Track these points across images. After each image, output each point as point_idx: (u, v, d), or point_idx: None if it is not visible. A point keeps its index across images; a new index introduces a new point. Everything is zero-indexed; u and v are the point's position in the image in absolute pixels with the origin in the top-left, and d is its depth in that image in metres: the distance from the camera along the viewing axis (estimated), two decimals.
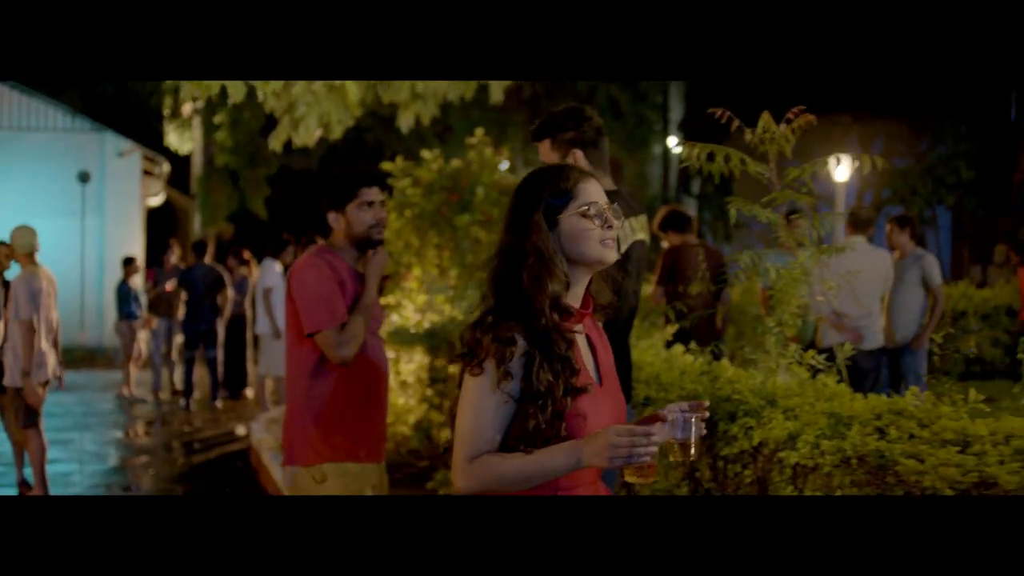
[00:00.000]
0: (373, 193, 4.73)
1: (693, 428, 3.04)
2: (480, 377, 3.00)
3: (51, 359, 8.65)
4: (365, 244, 4.74)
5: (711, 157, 5.04)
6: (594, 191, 3.14)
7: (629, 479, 3.00)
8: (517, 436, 3.01)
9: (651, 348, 6.55)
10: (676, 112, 31.65)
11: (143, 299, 16.13)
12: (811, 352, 5.13)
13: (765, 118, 4.74)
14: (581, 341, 3.19)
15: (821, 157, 5.20)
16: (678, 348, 6.02)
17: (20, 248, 8.72)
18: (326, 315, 4.56)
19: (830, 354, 8.91)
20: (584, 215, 3.08)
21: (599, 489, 3.21)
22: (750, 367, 5.10)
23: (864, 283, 9.26)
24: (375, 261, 4.79)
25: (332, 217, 4.71)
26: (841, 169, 16.36)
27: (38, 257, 8.77)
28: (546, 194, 3.11)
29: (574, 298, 3.15)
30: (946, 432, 3.69)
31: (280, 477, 4.81)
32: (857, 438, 3.76)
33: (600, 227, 3.10)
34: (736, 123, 4.81)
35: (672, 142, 31.12)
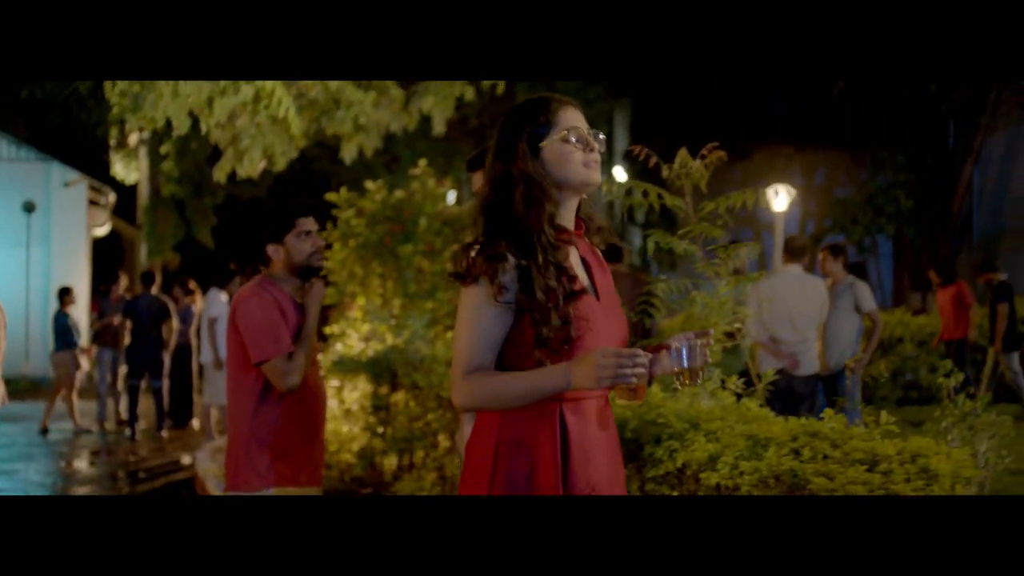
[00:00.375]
0: (310, 223, 4.89)
1: (699, 354, 3.15)
2: (475, 293, 3.12)
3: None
4: (305, 272, 4.89)
5: (630, 192, 5.23)
6: (573, 117, 3.24)
7: (620, 400, 3.17)
8: (522, 346, 3.13)
9: None
10: (621, 142, 31.94)
11: (82, 329, 16.05)
12: (733, 377, 5.30)
13: (682, 154, 4.93)
14: (575, 261, 3.30)
15: (763, 186, 5.43)
16: None
17: None
18: (272, 344, 4.69)
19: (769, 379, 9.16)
20: (565, 140, 3.18)
21: (605, 401, 3.29)
22: (677, 392, 5.27)
23: (800, 310, 9.50)
24: (314, 291, 4.94)
25: (271, 249, 4.86)
26: (780, 199, 16.69)
27: None
28: (527, 124, 3.21)
29: (566, 221, 3.27)
30: (856, 452, 3.87)
31: None
32: (773, 459, 3.93)
33: (582, 150, 3.21)
34: (654, 159, 4.97)
35: (618, 172, 31.40)
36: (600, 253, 3.46)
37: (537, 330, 3.10)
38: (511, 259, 3.11)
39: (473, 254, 3.16)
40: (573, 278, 3.18)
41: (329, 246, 12.30)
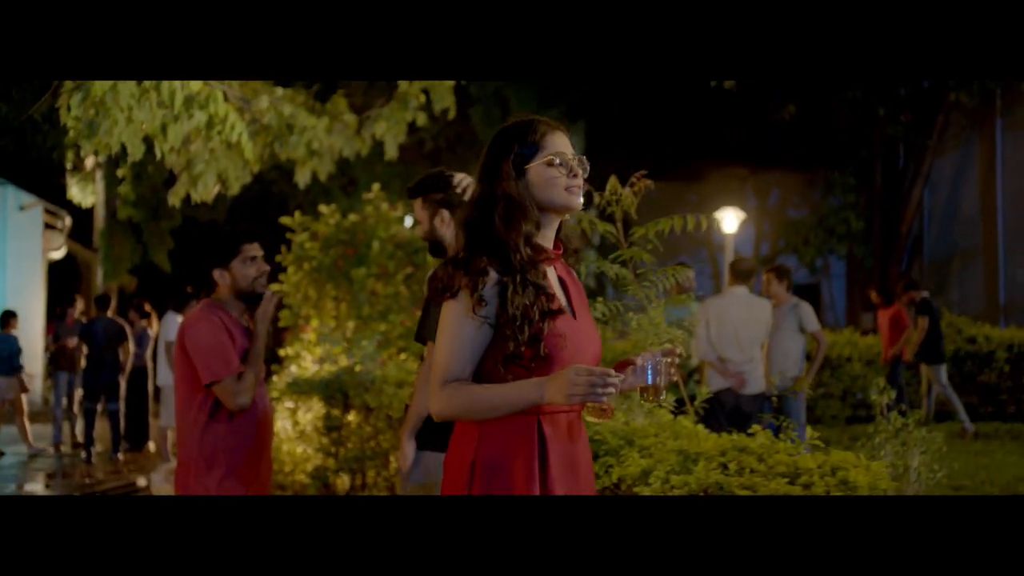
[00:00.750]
0: (254, 248, 5.05)
1: (663, 372, 3.28)
2: (456, 305, 3.23)
3: None
4: (250, 297, 5.04)
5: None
6: (560, 143, 3.36)
7: (589, 417, 3.27)
8: (498, 360, 3.22)
9: None
10: None
11: (35, 351, 16.05)
12: (669, 395, 5.48)
13: (612, 182, 5.11)
14: (553, 279, 3.40)
15: (716, 209, 5.61)
16: None
17: None
18: (222, 366, 4.84)
19: (716, 397, 9.39)
20: (550, 164, 3.30)
21: (577, 417, 3.38)
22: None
23: (746, 330, 9.73)
24: (263, 311, 5.09)
25: (217, 274, 5.01)
26: (729, 221, 16.97)
27: None
28: (515, 145, 3.32)
29: (545, 241, 3.36)
30: (779, 466, 4.06)
31: None
32: (702, 473, 4.11)
33: (566, 176, 3.32)
34: (586, 187, 5.16)
35: None
36: (575, 273, 3.58)
37: (507, 346, 3.20)
38: (492, 274, 3.22)
39: (453, 269, 3.25)
40: (551, 296, 3.27)
41: (284, 269, 12.45)
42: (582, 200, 3.38)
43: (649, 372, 3.30)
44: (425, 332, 4.99)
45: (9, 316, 15.84)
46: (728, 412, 9.64)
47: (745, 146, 30.46)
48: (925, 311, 15.04)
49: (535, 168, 3.31)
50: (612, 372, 3.08)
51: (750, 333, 9.73)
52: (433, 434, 5.02)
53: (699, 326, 9.69)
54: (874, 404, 6.65)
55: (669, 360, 3.31)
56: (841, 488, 3.94)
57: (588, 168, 3.41)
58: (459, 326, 3.24)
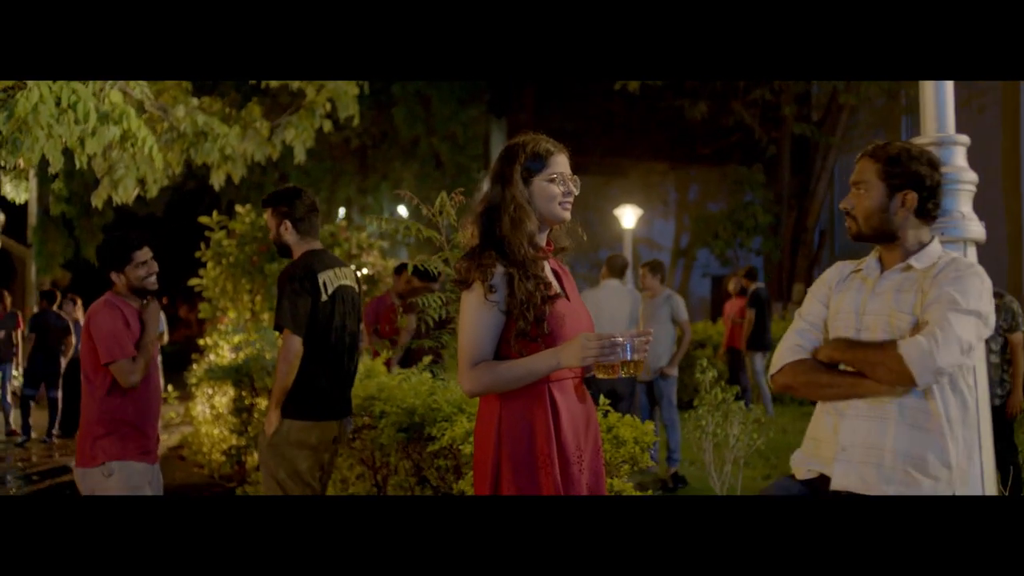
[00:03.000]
0: (144, 254, 5.94)
1: (639, 348, 3.68)
2: (471, 296, 3.75)
3: None
4: (142, 292, 5.97)
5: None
6: (562, 163, 3.88)
7: (598, 374, 3.78)
8: (510, 339, 3.74)
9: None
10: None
11: None
12: None
13: (441, 198, 6.00)
14: (548, 271, 3.91)
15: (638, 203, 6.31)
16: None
17: None
18: (119, 349, 5.75)
19: (592, 380, 10.36)
20: (551, 181, 3.83)
21: (581, 382, 3.91)
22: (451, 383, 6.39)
23: (619, 317, 10.73)
24: (151, 310, 6.00)
25: (114, 275, 5.92)
26: (628, 217, 18.00)
27: None
28: (525, 157, 3.84)
29: (541, 241, 3.88)
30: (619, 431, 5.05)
31: (80, 480, 5.92)
32: None
33: (562, 193, 3.85)
34: (416, 201, 6.05)
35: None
36: (565, 266, 4.10)
37: (517, 325, 3.73)
38: (499, 267, 3.72)
39: (467, 263, 3.79)
40: (549, 285, 3.80)
41: (203, 264, 13.31)
42: (569, 213, 3.89)
43: (629, 348, 3.66)
44: (281, 321, 5.99)
45: None
46: (604, 393, 10.62)
47: (665, 143, 31.49)
48: (754, 303, 16.19)
49: (538, 182, 3.83)
50: (616, 336, 3.62)
51: (622, 320, 10.73)
52: (297, 404, 6.02)
53: None
54: (699, 382, 7.67)
55: (644, 339, 3.71)
56: (613, 442, 4.96)
57: (579, 186, 3.92)
58: (477, 314, 3.74)
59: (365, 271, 13.85)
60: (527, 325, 3.73)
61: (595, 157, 31.97)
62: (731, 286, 17.28)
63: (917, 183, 3.60)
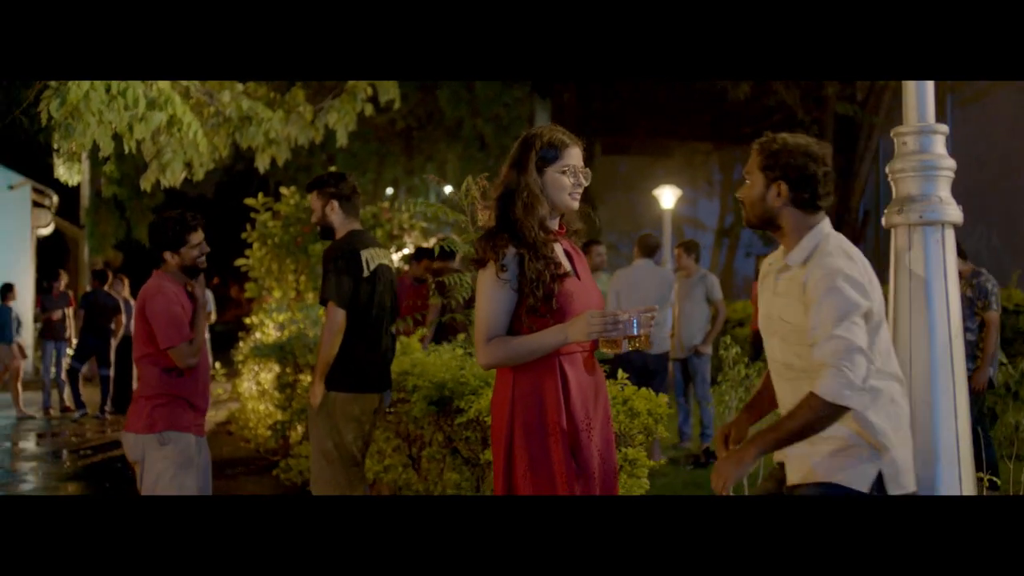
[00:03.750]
0: (198, 236, 6.24)
1: (643, 324, 3.96)
2: (485, 274, 4.02)
3: None
4: (193, 272, 6.28)
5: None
6: (575, 156, 4.13)
7: (603, 348, 4.07)
8: (522, 315, 4.00)
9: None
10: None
11: (25, 322, 17.09)
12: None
13: (468, 181, 6.27)
14: (560, 253, 4.16)
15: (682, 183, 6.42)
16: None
17: None
18: (177, 334, 6.03)
19: (625, 357, 10.66)
20: (563, 172, 4.09)
21: (590, 354, 4.15)
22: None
23: (651, 296, 10.98)
24: (199, 289, 6.32)
25: (168, 255, 6.21)
26: (667, 197, 18.18)
27: None
28: (540, 148, 4.10)
29: (553, 224, 4.15)
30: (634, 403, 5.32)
31: (131, 444, 6.23)
32: None
33: (572, 184, 4.11)
34: (442, 183, 6.33)
35: None
36: (577, 247, 4.35)
37: (528, 302, 3.99)
38: (511, 247, 3.99)
39: (483, 244, 4.05)
40: (558, 264, 4.05)
41: (249, 245, 13.67)
42: (577, 203, 4.16)
43: (635, 324, 3.94)
44: (326, 295, 6.32)
45: (7, 288, 16.94)
46: (636, 370, 10.90)
47: (708, 124, 31.52)
48: None
49: (551, 172, 4.09)
50: (619, 313, 3.89)
51: (654, 299, 10.98)
52: (340, 376, 6.35)
53: (610, 295, 10.93)
54: (723, 359, 7.89)
55: (648, 316, 3.99)
56: (628, 413, 5.22)
57: (591, 177, 4.19)
58: (491, 292, 4.01)
59: (406, 251, 14.13)
60: (537, 302, 3.98)
61: (638, 138, 32.12)
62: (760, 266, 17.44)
63: (789, 175, 3.85)
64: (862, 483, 3.74)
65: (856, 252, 3.84)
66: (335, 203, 6.54)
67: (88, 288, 17.35)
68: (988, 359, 8.65)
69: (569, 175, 4.12)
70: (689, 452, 11.68)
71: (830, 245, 3.84)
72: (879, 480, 3.73)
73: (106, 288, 16.58)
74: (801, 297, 3.82)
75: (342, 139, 12.34)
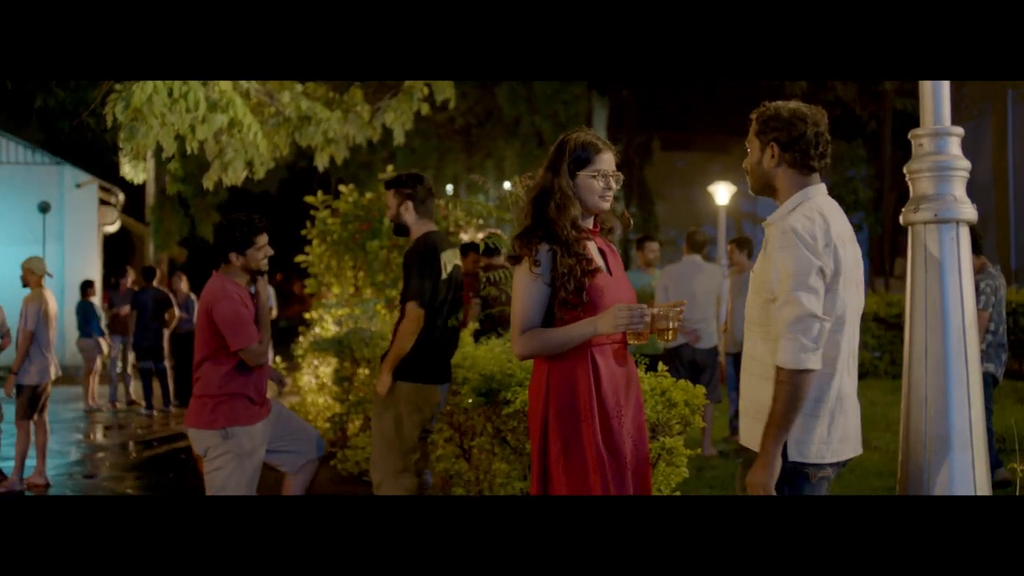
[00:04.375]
0: (264, 238, 6.50)
1: (673, 318, 4.23)
2: (520, 269, 4.26)
3: (53, 364, 10.42)
4: (256, 272, 6.55)
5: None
6: (607, 161, 4.33)
7: (630, 341, 4.31)
8: (555, 307, 4.22)
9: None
10: None
11: (103, 318, 17.47)
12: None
13: (514, 180, 6.47)
14: (593, 249, 4.38)
15: (740, 179, 6.63)
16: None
17: (37, 272, 10.48)
18: (245, 336, 6.29)
19: (675, 351, 10.81)
20: (594, 177, 4.30)
21: (622, 345, 4.39)
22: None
23: (700, 292, 11.15)
24: (262, 287, 6.59)
25: (234, 256, 6.46)
26: (722, 194, 18.31)
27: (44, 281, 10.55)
28: (574, 151, 4.32)
29: (587, 222, 4.39)
30: (672, 395, 5.52)
31: (196, 439, 6.50)
32: None
33: (603, 188, 4.32)
34: (487, 184, 6.55)
35: None
36: (612, 245, 4.60)
37: (559, 295, 4.21)
38: (544, 244, 4.22)
39: (518, 241, 4.31)
40: (590, 260, 4.28)
41: (309, 242, 13.97)
42: (608, 205, 4.38)
43: (667, 319, 4.21)
44: (409, 295, 6.56)
45: (87, 285, 17.33)
46: (686, 364, 11.08)
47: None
48: None
49: (583, 176, 4.31)
50: (644, 307, 4.11)
51: (703, 294, 11.15)
52: (407, 368, 6.59)
53: (659, 290, 11.10)
54: None
55: (678, 310, 4.24)
56: (664, 403, 5.42)
57: (622, 181, 4.40)
58: (525, 286, 4.24)
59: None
60: (568, 295, 4.21)
61: (697, 134, 32.20)
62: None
63: (779, 137, 3.99)
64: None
65: (831, 214, 3.95)
66: (409, 204, 6.79)
67: (135, 287, 17.67)
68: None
69: (599, 179, 4.33)
70: (739, 445, 11.81)
71: (806, 205, 3.97)
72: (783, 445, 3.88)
73: (154, 284, 16.91)
74: (767, 253, 3.99)
75: (399, 138, 12.63)
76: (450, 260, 6.75)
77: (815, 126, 4.01)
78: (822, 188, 4.06)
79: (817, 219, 3.88)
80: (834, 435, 3.90)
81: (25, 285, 10.57)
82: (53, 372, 10.46)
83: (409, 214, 6.81)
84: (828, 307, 3.84)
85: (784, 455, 3.88)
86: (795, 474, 3.90)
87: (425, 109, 12.70)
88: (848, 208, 27.18)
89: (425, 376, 6.65)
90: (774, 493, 3.90)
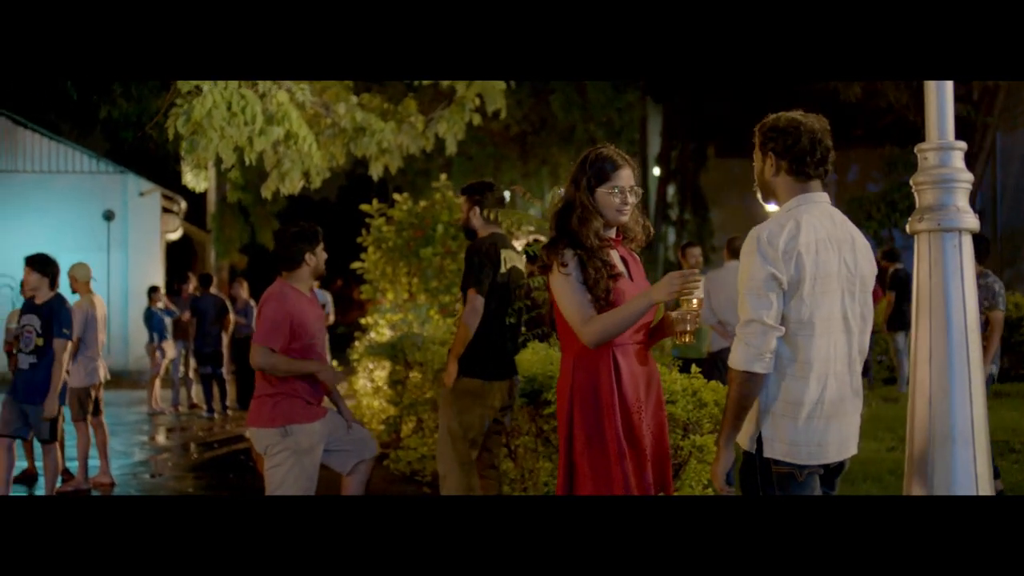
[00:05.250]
0: (319, 247, 6.82)
1: (690, 321, 4.47)
2: (554, 275, 4.54)
3: (102, 367, 10.78)
4: (318, 275, 6.93)
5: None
6: (625, 176, 4.61)
7: (676, 341, 4.66)
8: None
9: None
10: (654, 146, 33.59)
11: (167, 323, 17.90)
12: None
13: (553, 192, 6.77)
14: (616, 258, 4.67)
15: None
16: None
17: (81, 279, 10.84)
18: (270, 337, 6.51)
19: (718, 354, 11.01)
20: (611, 193, 4.58)
21: (643, 347, 4.66)
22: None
23: (735, 297, 11.31)
24: (320, 294, 6.95)
25: (307, 255, 6.81)
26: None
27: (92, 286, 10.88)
28: (594, 169, 4.61)
29: (610, 232, 4.66)
30: (668, 392, 5.76)
31: (256, 438, 6.81)
32: None
33: (619, 202, 4.59)
34: (528, 195, 6.83)
35: (656, 172, 33.19)
36: (634, 254, 4.88)
37: (588, 297, 4.48)
38: (568, 250, 4.52)
39: (546, 251, 4.61)
40: (612, 266, 4.57)
41: (364, 249, 14.33)
42: (626, 217, 4.64)
43: (688, 320, 4.47)
44: (468, 283, 6.85)
45: (153, 291, 17.82)
46: (726, 367, 11.23)
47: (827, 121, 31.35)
48: (894, 284, 16.33)
49: (601, 191, 4.60)
50: (695, 272, 4.37)
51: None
52: (470, 364, 6.85)
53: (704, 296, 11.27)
54: None
55: (695, 312, 4.44)
56: (696, 403, 5.69)
57: (640, 194, 4.68)
58: (565, 286, 4.51)
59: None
60: (595, 298, 4.49)
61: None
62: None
63: (777, 146, 4.15)
64: (747, 443, 4.11)
65: (811, 223, 4.07)
66: (477, 210, 7.12)
67: (197, 293, 18.05)
68: (990, 356, 8.88)
69: (616, 195, 4.60)
70: None
71: (786, 214, 4.13)
72: (759, 440, 4.06)
73: (211, 291, 17.32)
74: None
75: (451, 148, 12.95)
76: (510, 259, 7.02)
77: (811, 134, 4.15)
78: (818, 196, 4.20)
79: (787, 227, 4.03)
80: (809, 439, 4.04)
81: (74, 291, 10.80)
82: (102, 374, 10.74)
83: (477, 219, 7.14)
84: (791, 313, 4.01)
85: (760, 451, 4.06)
86: (765, 470, 4.06)
87: (477, 120, 13.01)
88: (903, 214, 27.11)
89: (483, 372, 6.84)
90: (725, 484, 4.12)
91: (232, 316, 17.08)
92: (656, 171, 33.71)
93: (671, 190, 33.91)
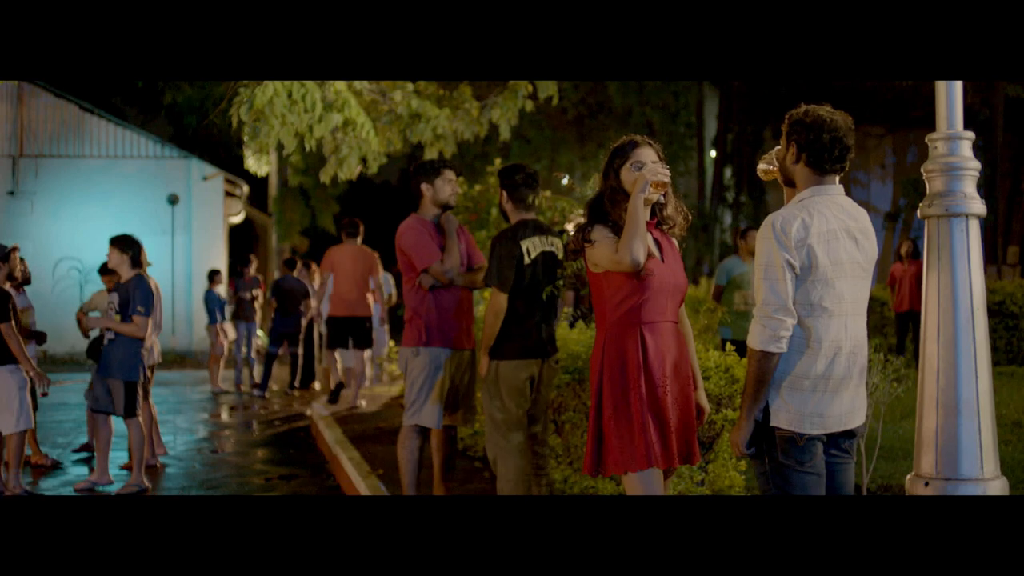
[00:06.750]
0: (451, 174, 7.38)
1: (661, 172, 4.75)
2: (588, 251, 4.88)
3: (156, 348, 11.19)
4: (444, 206, 7.40)
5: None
6: (644, 154, 4.88)
7: (652, 189, 4.77)
8: (602, 282, 4.85)
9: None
10: (711, 129, 33.66)
11: (227, 305, 18.30)
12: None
13: (594, 178, 6.99)
14: (648, 238, 4.85)
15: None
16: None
17: None
18: (428, 256, 7.17)
19: None
20: (632, 167, 4.85)
21: (674, 326, 4.93)
22: None
23: None
24: (450, 221, 7.43)
25: (424, 186, 7.22)
26: None
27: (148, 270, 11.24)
28: (615, 152, 4.93)
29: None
30: (705, 370, 6.04)
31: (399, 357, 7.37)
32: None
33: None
34: (570, 181, 7.11)
35: (712, 154, 33.31)
36: (670, 237, 5.10)
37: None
38: (599, 226, 4.86)
39: (578, 231, 4.94)
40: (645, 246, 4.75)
41: None
42: (654, 197, 4.80)
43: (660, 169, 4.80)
44: (488, 280, 7.10)
45: (214, 274, 18.21)
46: None
47: (879, 107, 31.39)
48: None
49: (624, 171, 4.88)
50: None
51: None
52: (500, 347, 7.12)
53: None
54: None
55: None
56: (727, 379, 5.97)
57: (667, 170, 4.83)
58: (597, 248, 4.83)
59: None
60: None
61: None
62: (903, 249, 17.39)
63: (799, 138, 4.36)
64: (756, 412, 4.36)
65: (823, 213, 4.28)
66: (504, 193, 7.27)
67: (278, 275, 18.40)
68: None
69: (635, 168, 4.85)
70: None
71: (800, 204, 4.35)
72: (766, 410, 4.31)
73: (294, 274, 17.72)
74: None
75: (504, 133, 13.22)
76: (536, 246, 7.13)
77: (833, 132, 4.33)
78: (833, 188, 4.40)
79: (801, 216, 4.25)
80: (812, 410, 4.26)
81: None
82: (157, 354, 11.09)
83: (507, 203, 7.27)
84: (803, 297, 4.23)
85: (767, 420, 4.30)
86: (769, 436, 4.30)
87: (529, 106, 13.28)
88: None
89: (516, 352, 7.00)
90: (745, 450, 4.35)
91: (311, 301, 17.42)
92: (712, 154, 33.85)
93: (727, 172, 33.99)
